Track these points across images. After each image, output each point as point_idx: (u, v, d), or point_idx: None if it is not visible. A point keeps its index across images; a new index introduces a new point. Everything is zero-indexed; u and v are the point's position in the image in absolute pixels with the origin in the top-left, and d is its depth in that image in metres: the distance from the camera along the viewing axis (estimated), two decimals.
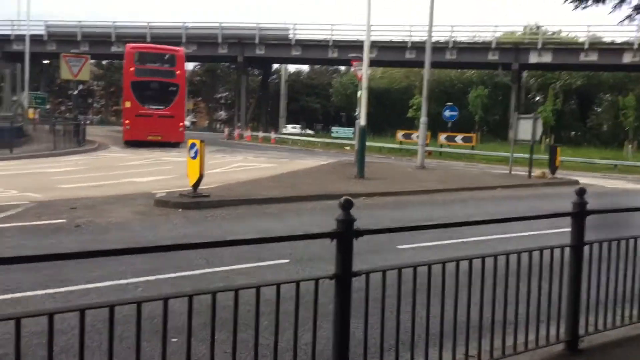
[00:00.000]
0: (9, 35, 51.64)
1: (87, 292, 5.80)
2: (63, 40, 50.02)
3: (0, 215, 9.69)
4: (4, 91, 55.47)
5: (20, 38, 49.61)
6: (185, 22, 49.66)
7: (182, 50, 32.81)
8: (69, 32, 50.82)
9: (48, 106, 55.26)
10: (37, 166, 18.87)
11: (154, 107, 29.27)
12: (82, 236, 8.39)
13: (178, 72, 30.16)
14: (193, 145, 11.73)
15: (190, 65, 79.99)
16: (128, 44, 32.89)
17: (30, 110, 40.82)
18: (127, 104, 29.66)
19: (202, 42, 49.58)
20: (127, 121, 29.72)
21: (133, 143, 29.59)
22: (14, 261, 2.62)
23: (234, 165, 21.70)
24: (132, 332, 2.88)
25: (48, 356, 2.51)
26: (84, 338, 2.59)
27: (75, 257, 2.71)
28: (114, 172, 17.61)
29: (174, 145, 29.23)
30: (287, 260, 7.31)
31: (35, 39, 48.44)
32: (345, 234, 3.21)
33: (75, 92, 35.00)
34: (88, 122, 49.99)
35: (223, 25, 49.05)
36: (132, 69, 29.49)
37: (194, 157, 11.69)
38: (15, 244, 7.75)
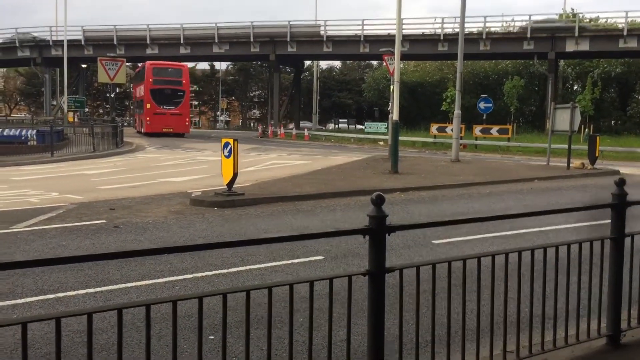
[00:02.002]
0: (48, 41, 53.02)
1: (127, 291, 5.92)
2: (99, 44, 51.05)
3: (43, 217, 9.97)
4: (44, 96, 57.04)
5: (58, 43, 50.89)
6: (217, 23, 50.12)
7: (186, 65, 44.13)
8: (105, 36, 51.86)
9: (87, 109, 56.51)
10: (77, 168, 19.34)
11: (167, 107, 39.28)
12: (121, 236, 8.57)
13: (184, 81, 40.56)
14: (227, 144, 11.83)
15: (223, 65, 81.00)
16: (147, 62, 42.69)
17: (70, 114, 41.79)
18: (148, 106, 39.59)
19: (234, 42, 49.97)
20: (147, 118, 39.79)
21: (152, 134, 39.20)
22: (54, 262, 2.69)
23: (268, 163, 21.84)
24: (170, 330, 2.92)
25: (88, 354, 2.56)
26: (122, 336, 2.64)
27: (112, 257, 2.76)
28: (151, 172, 17.91)
29: (182, 135, 39.77)
30: (321, 257, 7.32)
31: (73, 44, 49.60)
32: (377, 230, 3.19)
33: (113, 94, 35.74)
34: (125, 124, 50.96)
35: (254, 24, 49.34)
36: (150, 79, 39.72)
37: (228, 156, 11.80)
38: (57, 244, 7.96)
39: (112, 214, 10.34)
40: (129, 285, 6.11)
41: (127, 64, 48.77)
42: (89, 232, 8.78)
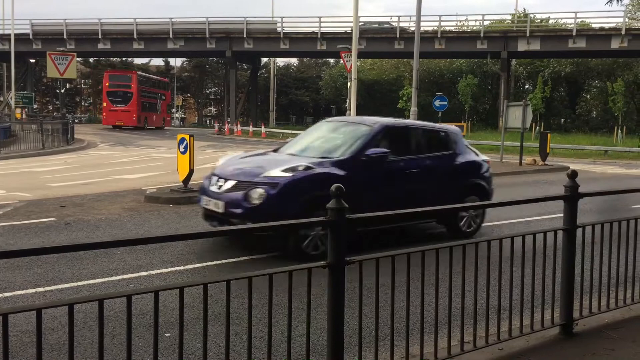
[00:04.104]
0: None
1: (79, 290, 5.74)
2: (49, 38, 49.56)
3: None
4: None
5: (5, 37, 49.16)
6: (171, 18, 49.35)
7: (136, 72, 53.58)
8: (55, 30, 50.36)
9: (35, 105, 54.86)
10: (26, 166, 18.70)
11: (118, 105, 48.41)
12: (72, 233, 8.31)
13: (132, 85, 48.94)
14: (182, 140, 11.62)
15: (178, 61, 79.76)
16: (105, 71, 53.45)
17: (18, 110, 40.42)
18: (104, 104, 50.12)
19: (190, 38, 49.29)
20: (104, 114, 50.66)
21: (110, 127, 48.54)
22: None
23: None
24: (124, 329, 2.82)
25: (37, 352, 2.45)
26: (73, 333, 2.53)
27: (60, 250, 2.64)
28: (104, 169, 17.47)
29: (134, 128, 47.96)
30: (279, 253, 7.26)
31: (21, 38, 48.03)
32: (337, 222, 3.17)
33: (63, 90, 34.72)
34: (76, 120, 49.88)
35: (210, 19, 48.76)
36: (107, 84, 49.41)
37: (184, 152, 11.59)
38: (3, 243, 7.66)
39: (63, 211, 10.02)
40: (80, 283, 5.92)
41: (78, 59, 47.53)
42: (38, 230, 8.48)
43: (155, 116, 52.64)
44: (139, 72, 54.41)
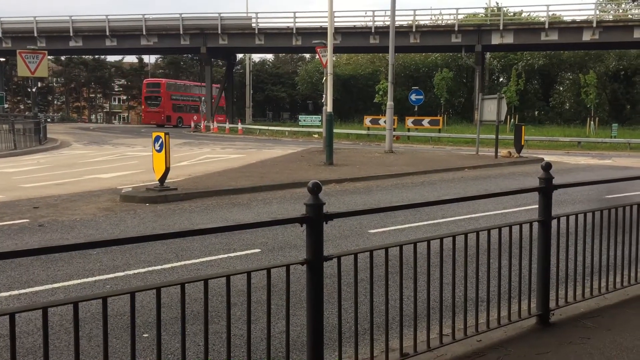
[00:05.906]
0: None
1: (54, 292, 5.64)
2: (19, 36, 48.66)
3: None
4: None
5: None
6: (144, 14, 48.71)
7: (165, 80, 62.40)
8: (25, 28, 49.43)
9: (6, 105, 53.87)
10: None
11: (152, 107, 58.24)
12: (46, 235, 8.18)
13: (161, 90, 58.50)
14: (158, 138, 11.50)
15: (152, 58, 78.97)
16: (144, 80, 64.94)
17: None
18: (143, 107, 61.96)
19: (163, 34, 48.77)
20: (143, 114, 62.61)
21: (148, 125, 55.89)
22: None
23: (202, 157, 21.45)
24: (101, 331, 2.78)
25: (11, 357, 2.40)
26: (48, 337, 2.48)
27: (35, 253, 2.58)
28: (78, 169, 17.22)
29: (162, 125, 54.85)
30: (258, 250, 7.24)
31: None
32: (314, 219, 3.16)
33: (34, 89, 34.08)
34: (49, 119, 49.04)
35: (183, 15, 48.28)
36: (144, 90, 60.66)
37: (160, 150, 11.47)
38: None
39: (36, 212, 9.86)
40: (55, 285, 5.82)
41: (50, 57, 46.76)
42: (11, 232, 8.32)
43: (196, 116, 54.98)
44: (169, 80, 64.09)
